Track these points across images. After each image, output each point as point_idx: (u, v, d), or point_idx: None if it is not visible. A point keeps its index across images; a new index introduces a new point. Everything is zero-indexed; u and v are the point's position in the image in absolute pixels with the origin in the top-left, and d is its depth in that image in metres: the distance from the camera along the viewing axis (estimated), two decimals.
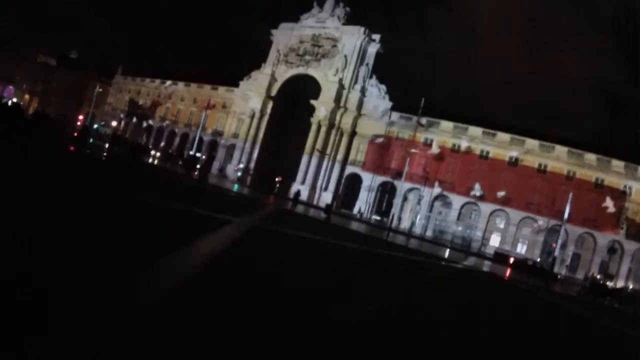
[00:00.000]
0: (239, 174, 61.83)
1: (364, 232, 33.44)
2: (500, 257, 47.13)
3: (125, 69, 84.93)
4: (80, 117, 74.50)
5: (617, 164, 57.59)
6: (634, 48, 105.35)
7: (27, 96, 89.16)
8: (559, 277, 42.96)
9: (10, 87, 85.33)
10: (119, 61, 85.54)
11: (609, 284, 42.14)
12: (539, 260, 47.64)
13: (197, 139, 60.18)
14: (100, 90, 73.38)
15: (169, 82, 76.92)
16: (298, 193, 36.09)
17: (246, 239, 9.45)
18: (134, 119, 77.90)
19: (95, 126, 75.81)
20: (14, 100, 72.19)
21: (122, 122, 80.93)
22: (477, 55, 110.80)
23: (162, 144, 71.74)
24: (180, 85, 76.26)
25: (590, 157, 58.14)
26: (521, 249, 59.69)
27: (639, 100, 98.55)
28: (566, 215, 47.52)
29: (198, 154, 58.11)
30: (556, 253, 46.51)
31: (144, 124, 74.99)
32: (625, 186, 57.19)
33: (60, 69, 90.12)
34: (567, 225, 58.11)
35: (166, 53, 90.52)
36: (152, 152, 60.34)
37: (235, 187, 48.30)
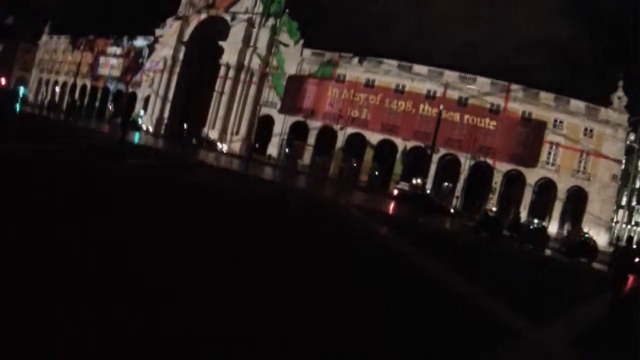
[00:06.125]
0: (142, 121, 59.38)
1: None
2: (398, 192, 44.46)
3: (52, 28, 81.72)
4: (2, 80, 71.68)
5: (546, 96, 54.11)
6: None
7: None
8: (452, 211, 40.16)
9: None
10: (53, 21, 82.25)
11: (530, 221, 38.13)
12: (429, 192, 44.57)
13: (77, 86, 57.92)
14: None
15: (91, 37, 74.20)
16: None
17: None
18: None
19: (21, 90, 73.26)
20: None
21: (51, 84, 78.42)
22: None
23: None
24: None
25: (516, 87, 54.70)
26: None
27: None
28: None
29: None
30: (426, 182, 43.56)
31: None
32: (555, 120, 53.78)
33: None
34: (492, 161, 55.25)
35: (90, 9, 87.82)
36: None
37: (137, 135, 45.36)
